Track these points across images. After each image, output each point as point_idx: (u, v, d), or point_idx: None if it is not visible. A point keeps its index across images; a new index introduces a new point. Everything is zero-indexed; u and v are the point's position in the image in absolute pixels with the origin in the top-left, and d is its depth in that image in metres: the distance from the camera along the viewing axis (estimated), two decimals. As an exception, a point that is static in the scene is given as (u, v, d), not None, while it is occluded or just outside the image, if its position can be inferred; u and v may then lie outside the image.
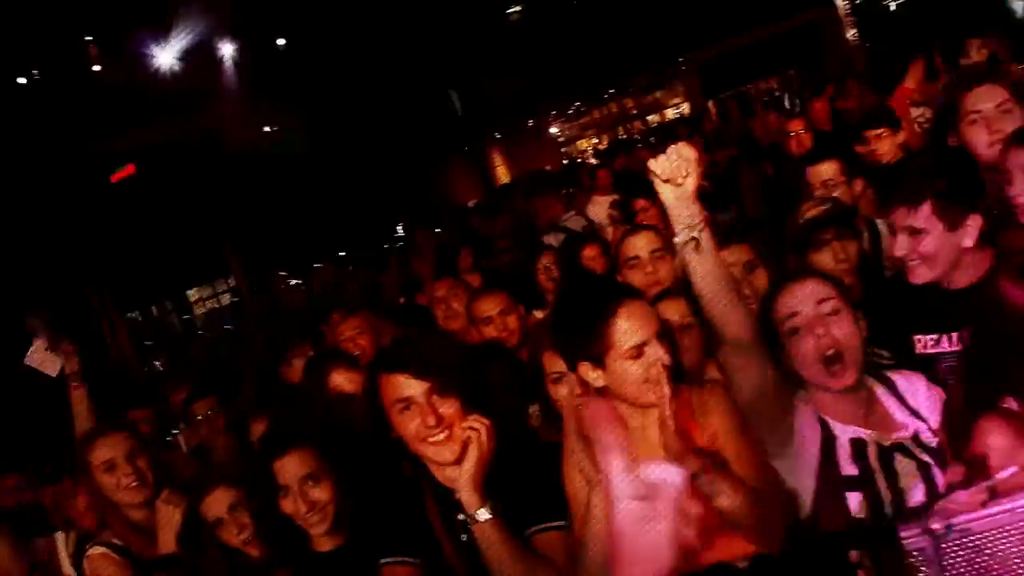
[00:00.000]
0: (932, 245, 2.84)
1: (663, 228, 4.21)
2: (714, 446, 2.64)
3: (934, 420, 2.65)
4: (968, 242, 2.86)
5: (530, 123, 23.79)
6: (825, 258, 3.34)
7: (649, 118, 23.84)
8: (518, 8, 20.40)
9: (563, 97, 23.14)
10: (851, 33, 17.51)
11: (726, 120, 16.78)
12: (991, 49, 6.48)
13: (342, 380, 4.03)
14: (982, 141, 3.55)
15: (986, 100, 3.57)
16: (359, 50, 16.38)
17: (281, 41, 16.08)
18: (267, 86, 15.52)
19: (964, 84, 3.69)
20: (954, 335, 2.89)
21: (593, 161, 18.03)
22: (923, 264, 2.87)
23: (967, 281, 2.89)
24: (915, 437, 2.65)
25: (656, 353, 2.59)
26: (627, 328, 2.59)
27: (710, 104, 20.10)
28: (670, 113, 23.30)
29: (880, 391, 2.75)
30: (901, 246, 2.88)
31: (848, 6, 17.35)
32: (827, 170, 4.56)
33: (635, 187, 7.84)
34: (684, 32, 19.05)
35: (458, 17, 17.46)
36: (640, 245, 4.14)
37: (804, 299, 2.67)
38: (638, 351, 2.59)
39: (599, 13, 19.60)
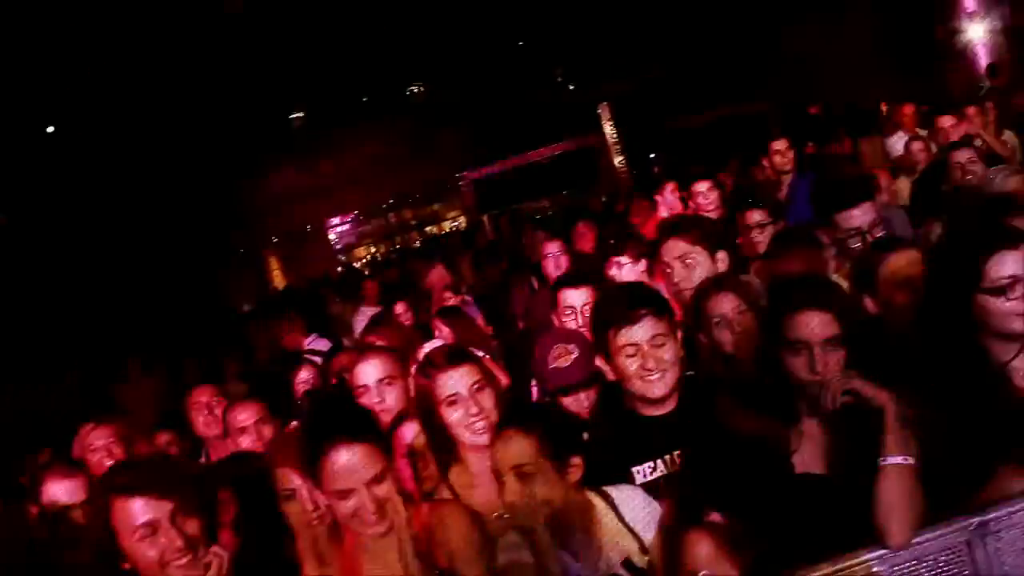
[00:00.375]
0: (674, 350, 3.09)
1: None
2: (451, 565, 2.73)
3: (649, 536, 2.83)
4: (681, 352, 3.15)
5: (309, 228, 23.70)
6: (568, 401, 3.55)
7: (428, 229, 24.26)
8: (301, 113, 20.49)
9: (343, 204, 23.24)
10: (618, 160, 18.60)
11: (499, 235, 17.34)
12: (717, 191, 7.03)
13: (59, 490, 3.75)
14: (670, 288, 4.06)
15: (672, 252, 4.05)
16: (134, 146, 15.95)
17: (51, 128, 15.48)
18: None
19: (662, 232, 4.16)
20: (667, 457, 3.08)
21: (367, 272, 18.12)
22: (667, 373, 3.05)
23: (673, 404, 3.11)
24: (627, 562, 2.82)
25: (362, 500, 2.65)
26: (335, 472, 2.66)
27: (485, 219, 20.74)
28: (447, 225, 23.83)
29: (600, 506, 2.89)
30: (649, 358, 3.03)
31: (615, 133, 18.46)
32: (574, 295, 4.78)
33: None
34: (464, 149, 19.73)
35: (240, 119, 17.32)
36: (368, 372, 4.03)
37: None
38: (345, 495, 2.66)
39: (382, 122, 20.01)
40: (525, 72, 18.71)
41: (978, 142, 6.47)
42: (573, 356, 3.55)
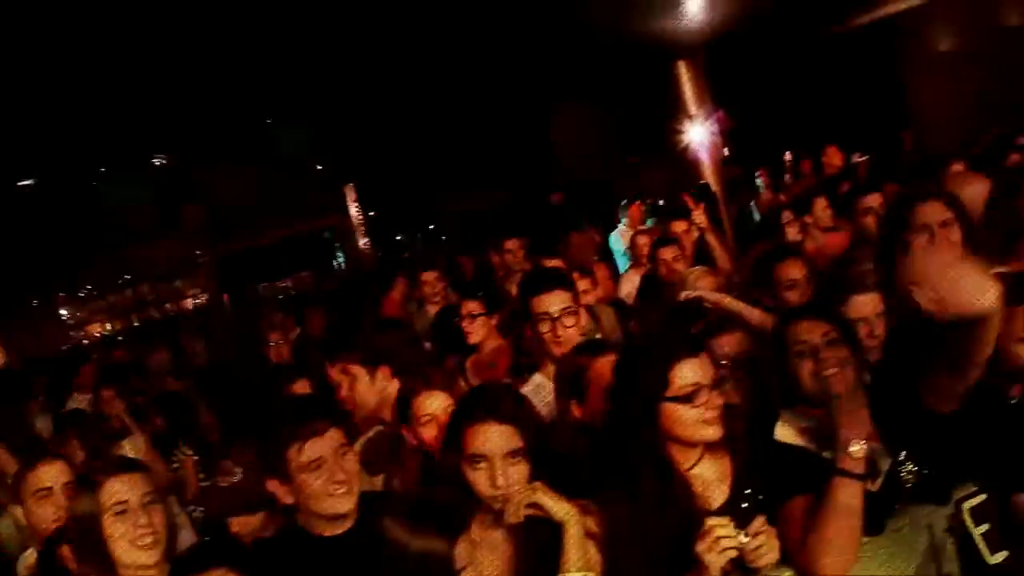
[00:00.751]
0: (356, 461, 2.92)
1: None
2: None
3: None
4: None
5: (35, 302, 22.09)
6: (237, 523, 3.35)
7: (168, 306, 23.17)
8: (31, 180, 19.33)
9: (76, 276, 21.90)
10: (363, 242, 18.49)
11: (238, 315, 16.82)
12: (443, 281, 7.03)
13: None
14: None
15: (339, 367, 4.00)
16: None
17: None
18: None
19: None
20: None
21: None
22: (353, 485, 2.86)
23: (353, 521, 2.91)
24: None
25: None
26: None
27: (226, 298, 20.07)
28: (190, 303, 22.86)
29: None
30: (337, 470, 2.83)
31: (361, 215, 18.37)
32: (298, 388, 4.59)
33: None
34: (209, 224, 19.10)
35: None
36: (46, 476, 3.81)
37: None
38: None
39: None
40: (273, 149, 18.43)
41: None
42: (234, 479, 3.36)
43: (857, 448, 2.65)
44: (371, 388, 3.82)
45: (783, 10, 12.68)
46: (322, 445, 2.81)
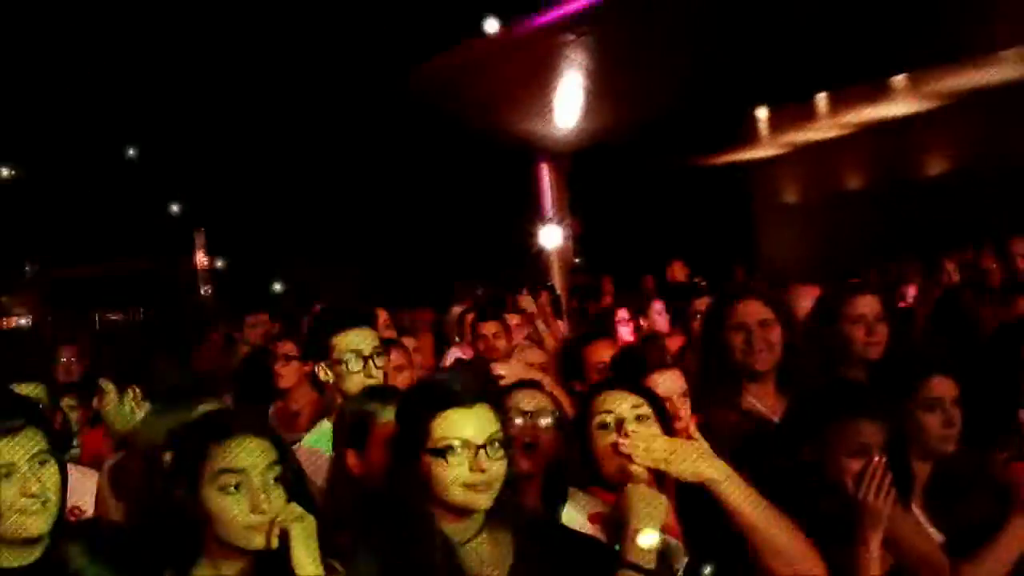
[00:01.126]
0: (55, 478, 2.64)
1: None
2: None
3: None
4: None
5: None
6: None
7: (-8, 321, 22.05)
8: None
9: None
10: (204, 288, 18.01)
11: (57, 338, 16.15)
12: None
13: None
14: None
15: None
16: None
17: None
18: None
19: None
20: None
21: None
22: (48, 502, 2.46)
23: (38, 552, 2.44)
24: None
25: None
26: None
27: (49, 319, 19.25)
28: (15, 321, 21.83)
29: None
30: (31, 481, 2.29)
31: (207, 261, 17.94)
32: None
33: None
34: (46, 243, 18.41)
35: None
36: None
37: None
38: None
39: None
40: (128, 181, 17.90)
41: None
42: None
43: (648, 540, 2.32)
44: (119, 407, 3.60)
45: (648, 136, 13.14)
46: (13, 448, 2.30)
